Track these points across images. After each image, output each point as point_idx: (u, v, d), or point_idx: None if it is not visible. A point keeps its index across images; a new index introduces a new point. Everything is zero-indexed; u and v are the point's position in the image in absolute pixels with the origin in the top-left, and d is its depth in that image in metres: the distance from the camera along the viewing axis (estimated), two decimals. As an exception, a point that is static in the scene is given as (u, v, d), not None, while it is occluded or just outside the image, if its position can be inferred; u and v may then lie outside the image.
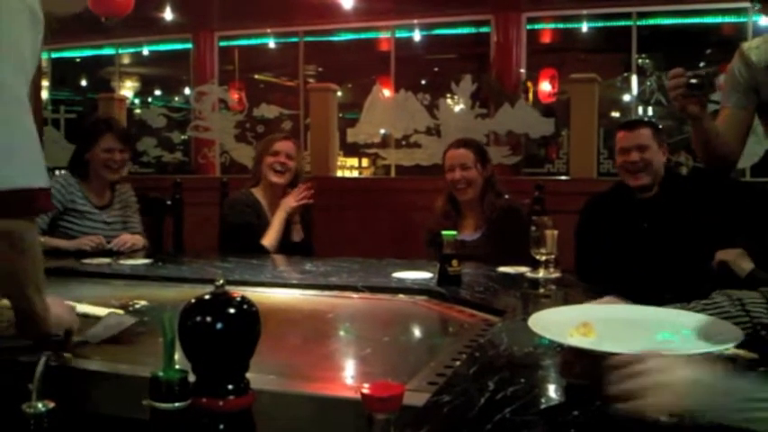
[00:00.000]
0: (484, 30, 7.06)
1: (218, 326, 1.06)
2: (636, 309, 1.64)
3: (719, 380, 1.09)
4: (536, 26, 7.18)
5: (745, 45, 2.68)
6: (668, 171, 3.20)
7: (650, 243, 3.00)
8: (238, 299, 1.10)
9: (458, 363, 1.57)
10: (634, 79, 6.80)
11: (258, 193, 3.66)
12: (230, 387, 1.08)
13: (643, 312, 1.61)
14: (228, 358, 1.09)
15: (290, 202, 3.54)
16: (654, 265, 2.89)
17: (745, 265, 1.97)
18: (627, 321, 1.53)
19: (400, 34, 7.36)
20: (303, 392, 1.42)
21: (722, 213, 2.95)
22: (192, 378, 1.07)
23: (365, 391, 0.99)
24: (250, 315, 1.10)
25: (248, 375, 1.11)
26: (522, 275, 2.72)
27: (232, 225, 3.58)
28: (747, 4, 6.32)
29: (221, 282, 1.10)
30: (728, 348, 1.32)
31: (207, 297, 1.09)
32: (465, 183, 3.37)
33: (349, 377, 1.68)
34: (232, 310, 1.08)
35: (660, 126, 3.66)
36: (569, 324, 1.47)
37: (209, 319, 1.06)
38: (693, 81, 2.41)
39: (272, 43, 7.82)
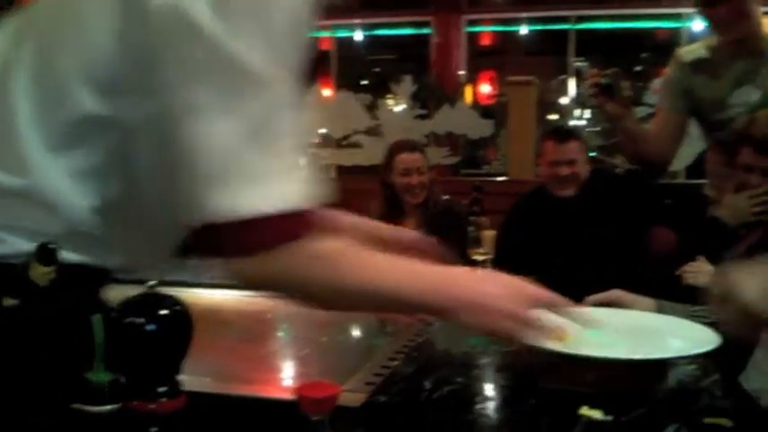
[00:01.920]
0: (424, 31, 7.10)
1: (149, 327, 1.04)
2: (613, 312, 1.68)
3: None
4: (476, 28, 7.25)
5: (681, 50, 2.76)
6: (595, 173, 3.26)
7: (569, 243, 3.05)
8: (170, 299, 1.07)
9: (396, 362, 1.57)
10: (571, 82, 6.91)
11: None
12: (162, 389, 1.06)
13: (623, 316, 1.64)
14: (160, 360, 1.07)
15: None
16: (572, 265, 2.94)
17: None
18: (602, 325, 1.54)
19: (341, 34, 7.35)
20: (238, 394, 1.40)
21: (644, 214, 3.03)
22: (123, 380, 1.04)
23: (300, 392, 0.98)
24: (182, 316, 1.08)
25: (182, 377, 1.09)
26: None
27: None
28: (683, 10, 6.49)
29: (153, 282, 1.08)
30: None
31: (137, 298, 1.06)
32: (419, 187, 3.37)
33: (286, 378, 1.67)
34: (163, 311, 1.05)
35: (599, 128, 3.74)
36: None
37: (139, 320, 1.04)
38: (602, 82, 2.50)
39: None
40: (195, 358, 1.13)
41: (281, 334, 2.16)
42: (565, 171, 3.11)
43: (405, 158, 3.41)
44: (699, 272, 2.06)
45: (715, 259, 2.09)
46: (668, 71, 2.75)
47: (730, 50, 2.57)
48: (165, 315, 1.05)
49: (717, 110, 2.60)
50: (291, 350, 1.95)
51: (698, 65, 2.66)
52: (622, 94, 2.56)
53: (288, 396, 1.20)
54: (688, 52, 2.72)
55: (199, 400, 1.21)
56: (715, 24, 2.57)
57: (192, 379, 1.12)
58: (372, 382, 1.42)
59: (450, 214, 3.29)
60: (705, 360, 1.46)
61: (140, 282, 1.11)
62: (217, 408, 1.32)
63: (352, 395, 1.31)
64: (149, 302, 1.06)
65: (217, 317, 2.22)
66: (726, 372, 1.45)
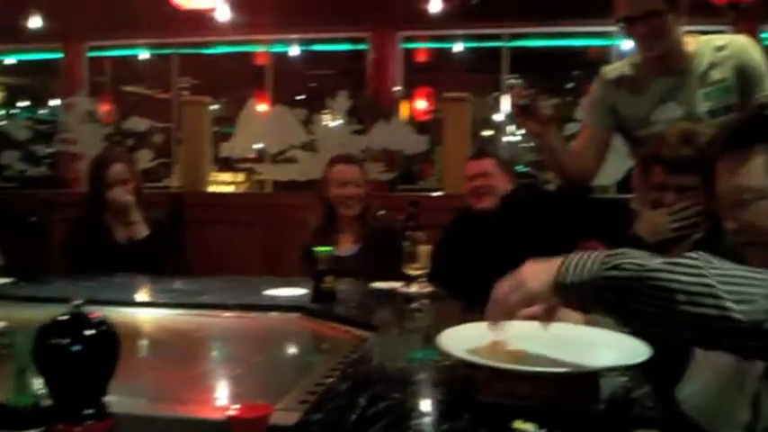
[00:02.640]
0: (361, 47, 7.12)
1: (74, 348, 1.01)
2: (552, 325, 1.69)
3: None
4: (412, 45, 7.29)
5: (606, 68, 2.82)
6: (520, 188, 3.36)
7: (494, 256, 3.12)
8: (95, 319, 1.05)
9: (330, 380, 1.55)
10: (505, 99, 7.01)
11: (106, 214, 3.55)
12: (88, 412, 1.03)
13: (554, 327, 1.65)
14: (86, 382, 1.04)
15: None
16: (497, 278, 3.00)
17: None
18: (537, 338, 1.55)
19: (278, 49, 7.31)
20: (169, 415, 1.37)
21: (572, 228, 3.10)
22: (48, 403, 1.01)
23: (231, 412, 0.96)
24: (108, 336, 1.05)
25: (112, 398, 1.07)
26: (395, 291, 2.74)
27: (77, 250, 3.47)
28: (612, 28, 6.65)
29: (79, 302, 1.05)
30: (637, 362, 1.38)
31: (62, 318, 1.03)
32: (355, 199, 3.37)
33: (218, 399, 1.64)
34: (89, 332, 1.03)
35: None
36: (479, 342, 1.48)
37: (64, 341, 1.01)
38: (521, 102, 2.55)
39: (145, 55, 7.60)
40: (124, 378, 1.10)
41: (213, 353, 2.13)
42: (478, 183, 3.23)
43: (341, 169, 3.43)
44: None
45: None
46: (593, 88, 2.81)
47: (652, 67, 2.63)
48: (90, 335, 1.02)
49: (640, 126, 2.66)
50: (224, 369, 1.92)
51: (621, 82, 2.71)
52: (541, 112, 2.59)
53: (220, 417, 1.17)
54: (612, 70, 2.78)
55: (127, 421, 1.18)
56: (635, 41, 2.63)
57: (120, 400, 1.10)
58: (306, 401, 1.41)
59: (387, 229, 3.30)
60: (636, 371, 1.48)
61: (66, 301, 1.08)
62: (146, 430, 1.29)
63: (285, 414, 1.29)
64: (75, 323, 1.03)
65: (147, 336, 2.18)
66: (657, 383, 1.47)
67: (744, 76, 2.51)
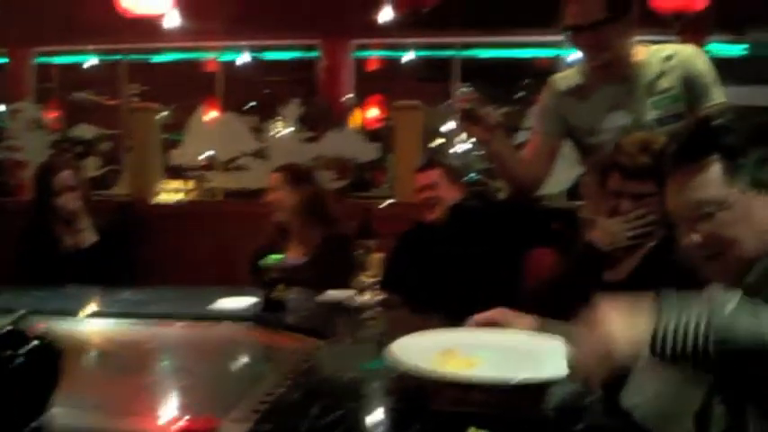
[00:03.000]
0: (312, 54, 7.11)
1: (16, 362, 0.98)
2: (497, 332, 1.70)
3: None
4: (364, 53, 7.30)
5: (555, 76, 2.84)
6: (468, 197, 3.39)
7: (444, 266, 3.16)
8: (37, 331, 1.02)
9: (281, 390, 1.54)
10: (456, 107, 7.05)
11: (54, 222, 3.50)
12: (33, 425, 1.00)
13: (507, 335, 1.66)
14: (29, 395, 1.00)
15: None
16: (448, 288, 3.04)
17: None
18: (488, 346, 1.56)
19: (228, 56, 7.26)
20: (117, 428, 1.34)
21: (522, 236, 3.16)
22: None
23: (180, 424, 0.94)
24: (50, 348, 1.02)
25: (58, 411, 1.04)
26: (347, 299, 2.72)
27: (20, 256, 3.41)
28: (561, 39, 6.74)
29: (22, 312, 1.02)
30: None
31: (2, 331, 1.00)
32: (274, 205, 3.38)
33: (167, 411, 1.61)
34: (30, 344, 1.00)
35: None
36: (431, 351, 1.47)
37: (4, 354, 0.98)
38: (466, 108, 2.56)
39: (93, 61, 7.49)
40: (71, 391, 1.07)
41: (162, 364, 2.09)
42: (425, 194, 3.26)
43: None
44: None
45: (592, 282, 2.16)
46: (543, 97, 2.83)
47: (600, 76, 2.64)
48: (32, 348, 1.00)
49: (589, 134, 2.68)
50: (173, 381, 1.89)
51: (570, 90, 2.73)
52: (486, 119, 2.59)
53: (169, 429, 1.15)
54: (561, 78, 2.80)
55: (72, 436, 1.15)
56: (581, 50, 2.65)
57: (66, 412, 1.07)
58: (257, 411, 1.39)
59: (339, 237, 3.29)
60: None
61: (9, 311, 1.05)
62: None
63: (236, 425, 1.27)
64: (16, 335, 1.00)
65: (94, 347, 2.14)
66: (607, 390, 1.49)
67: (690, 85, 2.55)
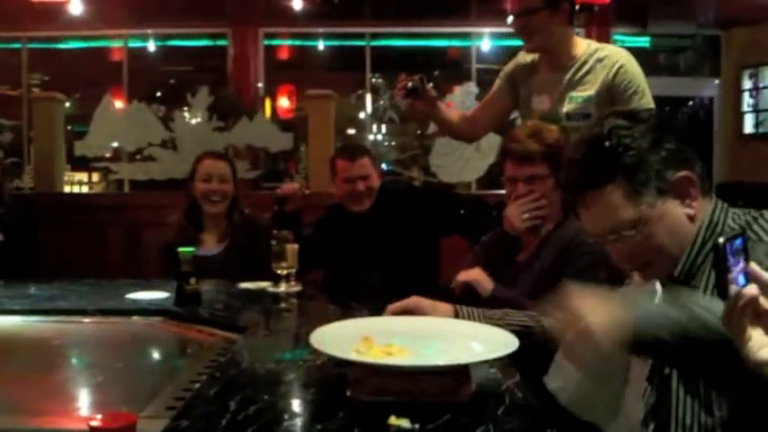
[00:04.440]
0: (221, 42, 7.00)
1: None
2: (414, 319, 1.70)
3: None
4: (273, 42, 7.24)
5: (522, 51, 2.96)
6: (386, 185, 3.36)
7: (367, 255, 3.15)
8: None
9: (197, 385, 1.51)
10: (368, 97, 7.06)
11: None
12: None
13: (423, 323, 1.67)
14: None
15: None
16: (372, 276, 3.05)
17: (488, 285, 2.12)
18: (405, 333, 1.56)
19: (133, 44, 7.09)
20: (27, 428, 1.30)
21: (436, 224, 3.19)
22: None
23: (94, 423, 0.91)
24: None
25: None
26: (263, 290, 2.70)
27: None
28: (472, 29, 6.84)
29: None
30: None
31: None
32: (221, 195, 3.27)
33: (80, 408, 1.56)
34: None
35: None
36: (351, 340, 1.47)
37: None
38: (410, 85, 2.74)
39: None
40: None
41: (73, 361, 2.03)
42: (360, 187, 3.18)
43: (208, 164, 3.33)
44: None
45: (504, 266, 2.23)
46: (509, 64, 2.98)
47: (543, 62, 2.80)
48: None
49: (523, 111, 2.89)
50: (85, 377, 1.83)
51: (525, 65, 2.88)
52: (428, 93, 2.79)
53: (82, 427, 1.11)
54: (524, 55, 2.93)
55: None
56: (517, 35, 2.81)
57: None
58: (173, 407, 1.36)
59: (253, 228, 3.25)
60: (506, 362, 1.51)
61: None
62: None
63: (152, 422, 1.24)
64: None
65: (1, 346, 2.06)
66: (525, 373, 1.51)
67: (612, 93, 2.65)
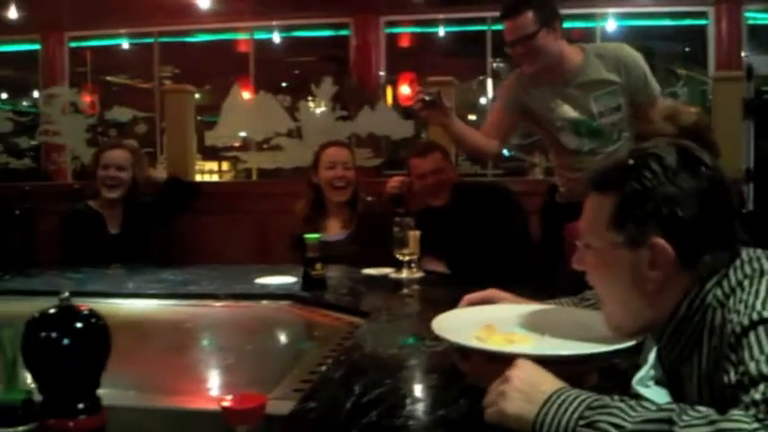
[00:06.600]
0: (343, 32, 7.08)
1: (64, 341, 0.99)
2: (528, 307, 1.66)
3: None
4: (395, 30, 7.26)
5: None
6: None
7: (451, 247, 3.23)
8: (85, 312, 1.03)
9: (323, 368, 1.54)
10: (489, 83, 6.99)
11: (96, 205, 3.55)
12: (81, 406, 1.01)
13: (538, 310, 1.63)
14: (77, 375, 1.02)
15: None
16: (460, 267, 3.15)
17: None
18: (523, 320, 1.54)
19: (259, 36, 7.26)
20: (162, 407, 1.36)
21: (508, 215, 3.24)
22: (38, 398, 0.99)
23: (225, 403, 0.95)
24: (98, 328, 1.03)
25: (103, 391, 1.05)
26: (385, 276, 2.73)
27: (71, 242, 3.45)
28: (596, 10, 6.66)
29: (66, 294, 1.03)
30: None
31: (51, 311, 1.01)
32: (345, 182, 3.34)
33: (211, 389, 1.63)
34: (78, 324, 1.01)
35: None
36: (472, 327, 1.46)
37: (53, 334, 0.99)
38: (426, 98, 2.85)
39: (125, 44, 7.53)
40: (115, 371, 1.08)
41: (204, 343, 2.11)
42: (433, 180, 3.32)
43: (331, 152, 3.41)
44: None
45: None
46: (509, 76, 3.17)
47: (543, 76, 2.96)
48: (80, 328, 1.01)
49: (548, 119, 3.03)
50: (216, 359, 1.91)
51: (525, 84, 3.04)
52: (444, 106, 2.91)
53: (213, 407, 1.16)
54: (519, 73, 3.08)
55: (120, 414, 1.17)
56: (518, 61, 3.00)
57: (112, 392, 1.08)
58: (300, 389, 1.40)
59: (376, 215, 3.29)
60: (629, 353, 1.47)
61: (54, 293, 1.06)
62: (139, 422, 1.28)
63: (279, 403, 1.28)
64: (64, 315, 1.01)
65: (136, 327, 2.16)
66: None
67: (626, 71, 2.87)
